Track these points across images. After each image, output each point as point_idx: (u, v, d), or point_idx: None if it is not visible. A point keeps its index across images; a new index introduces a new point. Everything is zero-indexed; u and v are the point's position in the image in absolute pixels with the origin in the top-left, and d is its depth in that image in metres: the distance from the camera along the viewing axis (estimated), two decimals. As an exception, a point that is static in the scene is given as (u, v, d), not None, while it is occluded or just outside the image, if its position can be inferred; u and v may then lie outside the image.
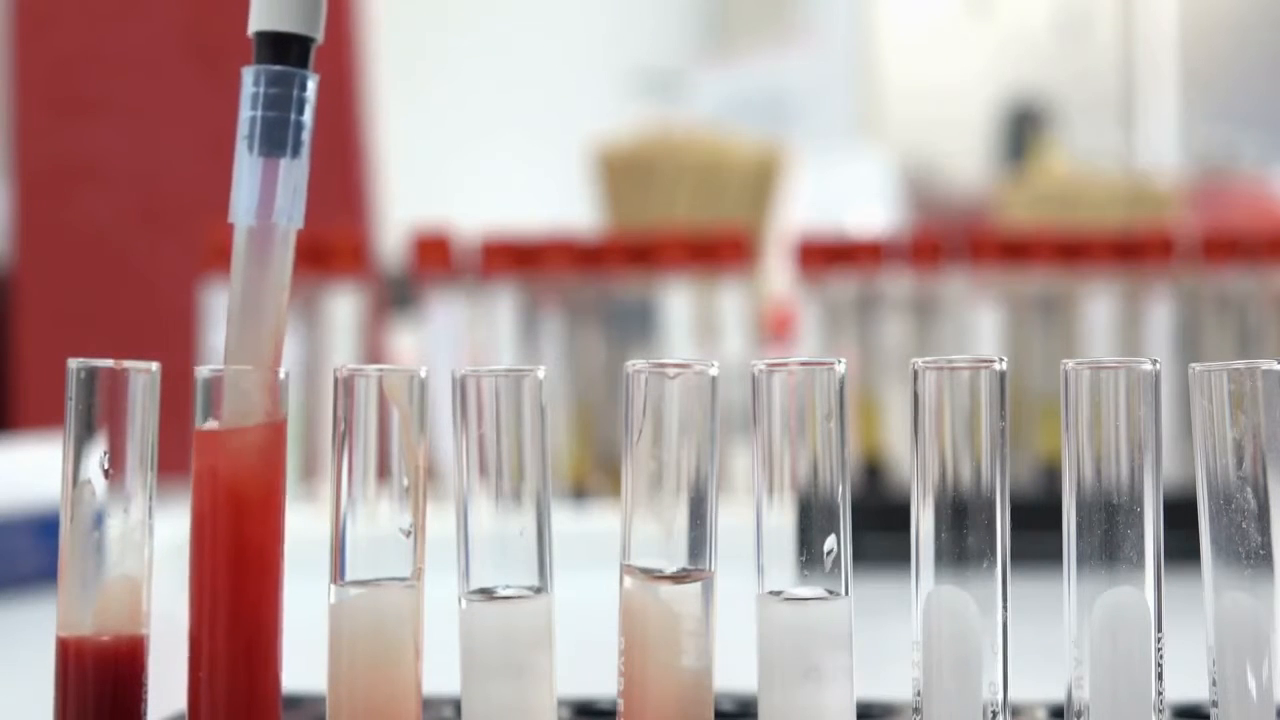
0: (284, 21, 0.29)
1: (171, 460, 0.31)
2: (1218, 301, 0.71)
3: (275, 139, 0.29)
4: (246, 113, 0.29)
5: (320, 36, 0.29)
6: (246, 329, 0.29)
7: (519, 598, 0.27)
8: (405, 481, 0.27)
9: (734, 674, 0.30)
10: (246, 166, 0.29)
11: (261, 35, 0.29)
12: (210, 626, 0.27)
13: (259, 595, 0.27)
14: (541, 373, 0.28)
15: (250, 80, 0.29)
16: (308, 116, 0.29)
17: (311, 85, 0.29)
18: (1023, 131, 2.59)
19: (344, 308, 0.71)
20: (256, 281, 0.29)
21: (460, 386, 0.27)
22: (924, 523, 0.26)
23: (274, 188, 0.29)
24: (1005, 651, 0.26)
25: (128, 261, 0.97)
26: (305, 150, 0.29)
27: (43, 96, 0.98)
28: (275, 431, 0.28)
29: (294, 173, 0.29)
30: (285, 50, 0.29)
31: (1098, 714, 0.26)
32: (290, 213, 0.29)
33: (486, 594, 0.27)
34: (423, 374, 0.28)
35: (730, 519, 0.29)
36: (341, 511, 0.27)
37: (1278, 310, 0.71)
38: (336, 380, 0.28)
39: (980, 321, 0.71)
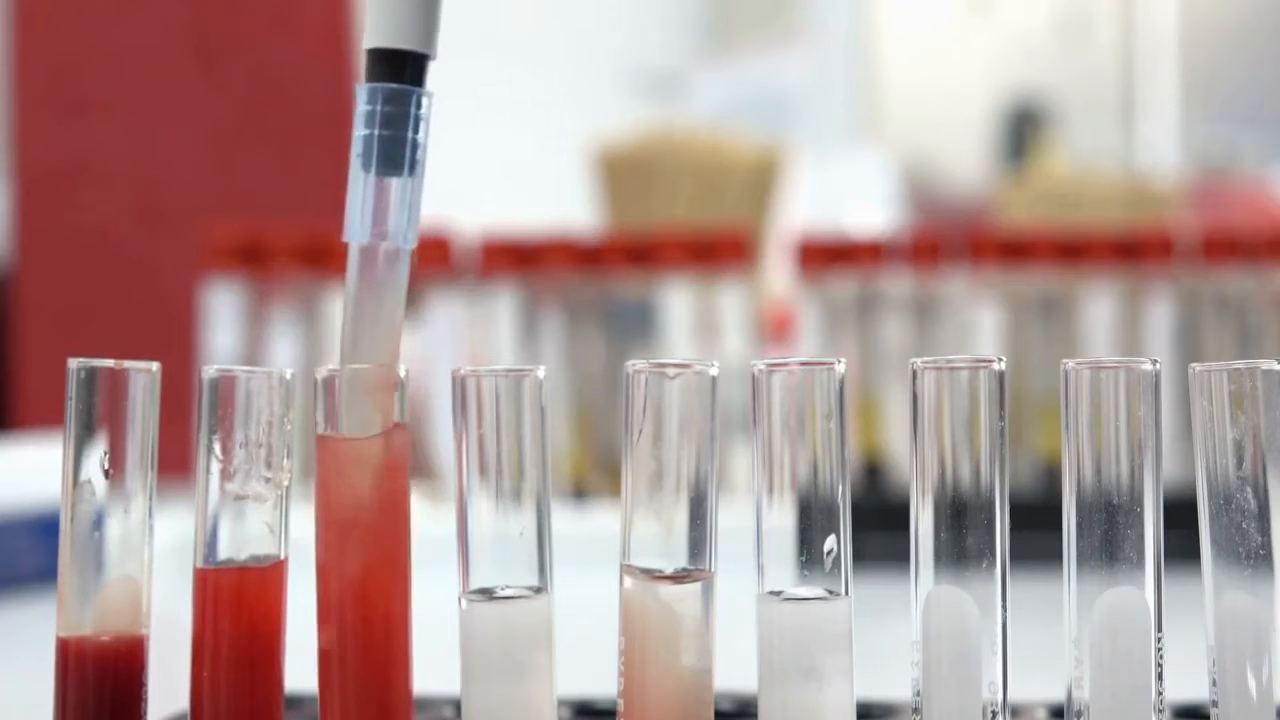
0: (399, 39, 0.28)
1: (171, 460, 0.31)
2: (1218, 301, 0.71)
3: (391, 158, 0.29)
4: (361, 131, 0.29)
5: (435, 54, 0.29)
6: (361, 353, 0.28)
7: (519, 598, 0.27)
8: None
9: (734, 674, 0.30)
10: (361, 185, 0.29)
11: (375, 52, 0.29)
12: (341, 636, 0.27)
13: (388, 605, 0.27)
14: (541, 373, 0.28)
15: (365, 98, 0.29)
16: (424, 135, 0.29)
17: (427, 103, 0.29)
18: (1023, 132, 2.59)
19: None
20: (372, 303, 0.29)
21: (460, 386, 0.27)
22: (924, 523, 0.26)
23: (388, 207, 0.29)
24: (1005, 651, 0.26)
25: (128, 261, 0.97)
26: (421, 169, 0.29)
27: (43, 96, 0.98)
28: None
29: (409, 192, 0.29)
30: (400, 68, 0.29)
31: (1098, 714, 0.26)
32: (406, 233, 0.29)
33: (486, 594, 0.27)
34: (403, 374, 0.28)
35: (730, 519, 0.29)
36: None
37: (1278, 310, 0.71)
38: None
39: (980, 321, 0.71)
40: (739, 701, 0.32)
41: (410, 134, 0.29)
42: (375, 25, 0.29)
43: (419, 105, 0.29)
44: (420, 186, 0.29)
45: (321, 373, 0.28)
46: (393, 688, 0.27)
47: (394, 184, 0.29)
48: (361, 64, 0.29)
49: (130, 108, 0.98)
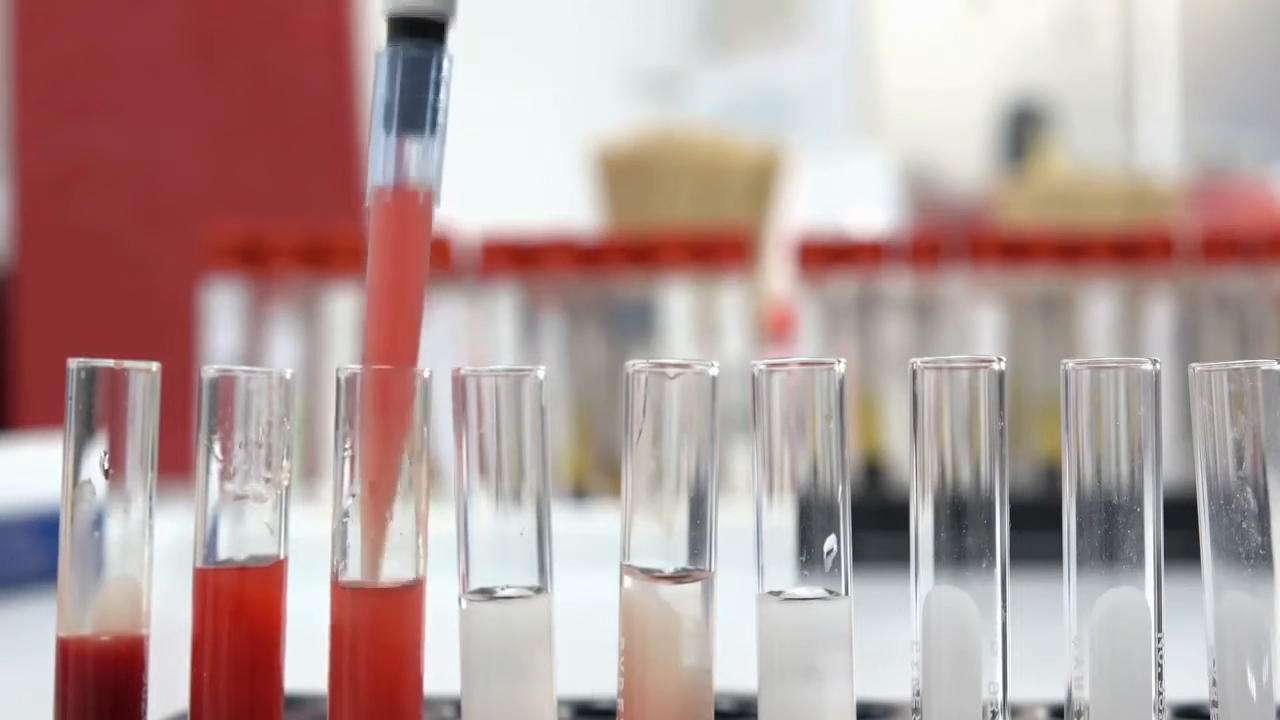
0: (417, 4, 0.28)
1: (171, 460, 0.31)
2: (1218, 301, 0.71)
3: (412, 119, 0.28)
4: (381, 93, 0.28)
5: (454, 15, 0.29)
6: (385, 312, 0.28)
7: (519, 598, 0.27)
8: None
9: (734, 674, 0.30)
10: (382, 145, 0.29)
11: (394, 20, 0.29)
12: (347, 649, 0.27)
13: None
14: (541, 373, 0.28)
15: (386, 61, 0.29)
16: (445, 97, 0.29)
17: (448, 65, 0.29)
18: (1023, 132, 2.59)
19: (344, 308, 0.71)
20: (396, 263, 0.29)
21: (460, 386, 0.27)
22: (923, 523, 0.26)
23: (412, 161, 0.28)
24: (1005, 651, 0.26)
25: (128, 261, 0.97)
26: (442, 132, 0.29)
27: (43, 96, 0.98)
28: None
29: (432, 150, 0.29)
30: (421, 30, 0.28)
31: (1098, 714, 0.26)
32: (432, 182, 0.29)
33: (486, 594, 0.27)
34: (426, 374, 0.28)
35: (730, 519, 0.29)
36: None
37: (1278, 310, 0.71)
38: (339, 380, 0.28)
39: (980, 321, 0.71)
40: (739, 701, 0.32)
41: (432, 95, 0.29)
42: None
43: (439, 68, 0.29)
44: (442, 148, 0.29)
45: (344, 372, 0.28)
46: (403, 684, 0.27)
47: (416, 142, 0.29)
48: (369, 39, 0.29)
49: (130, 108, 0.98)
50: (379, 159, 0.29)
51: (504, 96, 2.68)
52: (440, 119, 0.29)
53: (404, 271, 0.29)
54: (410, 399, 0.27)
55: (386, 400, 0.27)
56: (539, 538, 0.27)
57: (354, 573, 0.27)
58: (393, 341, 0.28)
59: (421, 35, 0.29)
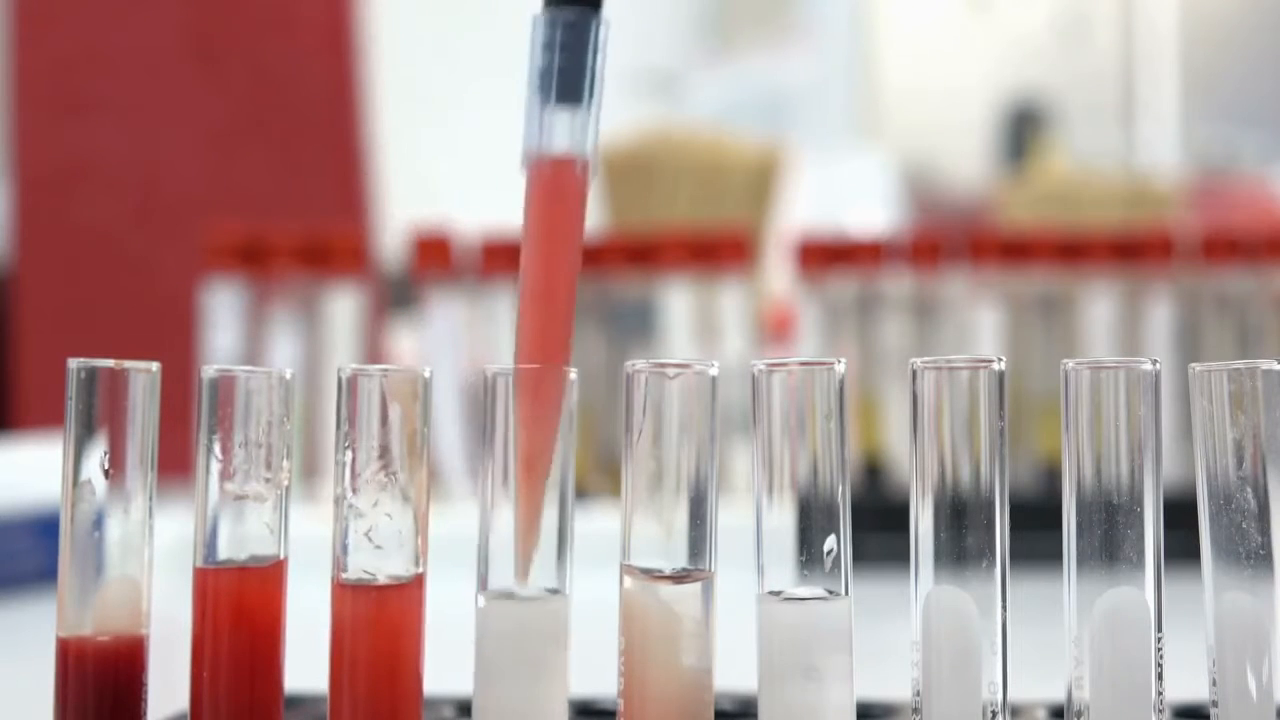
0: None
1: (171, 460, 0.31)
2: (1218, 301, 0.71)
3: (570, 86, 0.28)
4: (539, 59, 0.28)
5: None
6: (541, 280, 0.28)
7: (536, 599, 0.27)
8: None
9: (734, 674, 0.30)
10: (539, 113, 0.28)
11: None
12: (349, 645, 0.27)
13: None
14: (573, 374, 0.28)
15: (544, 25, 0.28)
16: (601, 63, 0.28)
17: (605, 31, 0.28)
18: (1023, 132, 2.59)
19: (344, 308, 0.71)
20: (552, 231, 0.28)
21: (491, 385, 0.27)
22: (923, 523, 0.26)
23: (569, 131, 0.28)
24: (1005, 651, 0.26)
25: (128, 261, 0.97)
26: (599, 98, 0.28)
27: (43, 96, 0.98)
28: None
29: (589, 118, 0.28)
30: None
31: (1098, 714, 0.26)
32: (587, 151, 0.28)
33: (504, 594, 0.27)
34: (427, 374, 0.28)
35: (730, 519, 0.29)
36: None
37: (1278, 310, 0.71)
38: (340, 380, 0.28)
39: (980, 321, 0.71)
40: (739, 701, 0.32)
41: (591, 60, 0.28)
42: None
43: (598, 32, 0.28)
44: (599, 115, 0.29)
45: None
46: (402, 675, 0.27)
47: (573, 111, 0.28)
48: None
49: (130, 108, 0.98)
50: (536, 129, 0.28)
51: (505, 96, 2.68)
52: (598, 87, 0.28)
53: (558, 250, 0.28)
54: (561, 393, 0.27)
55: (540, 395, 0.27)
56: (560, 540, 0.27)
57: (497, 581, 0.27)
58: (546, 333, 0.28)
59: (579, 1, 0.28)
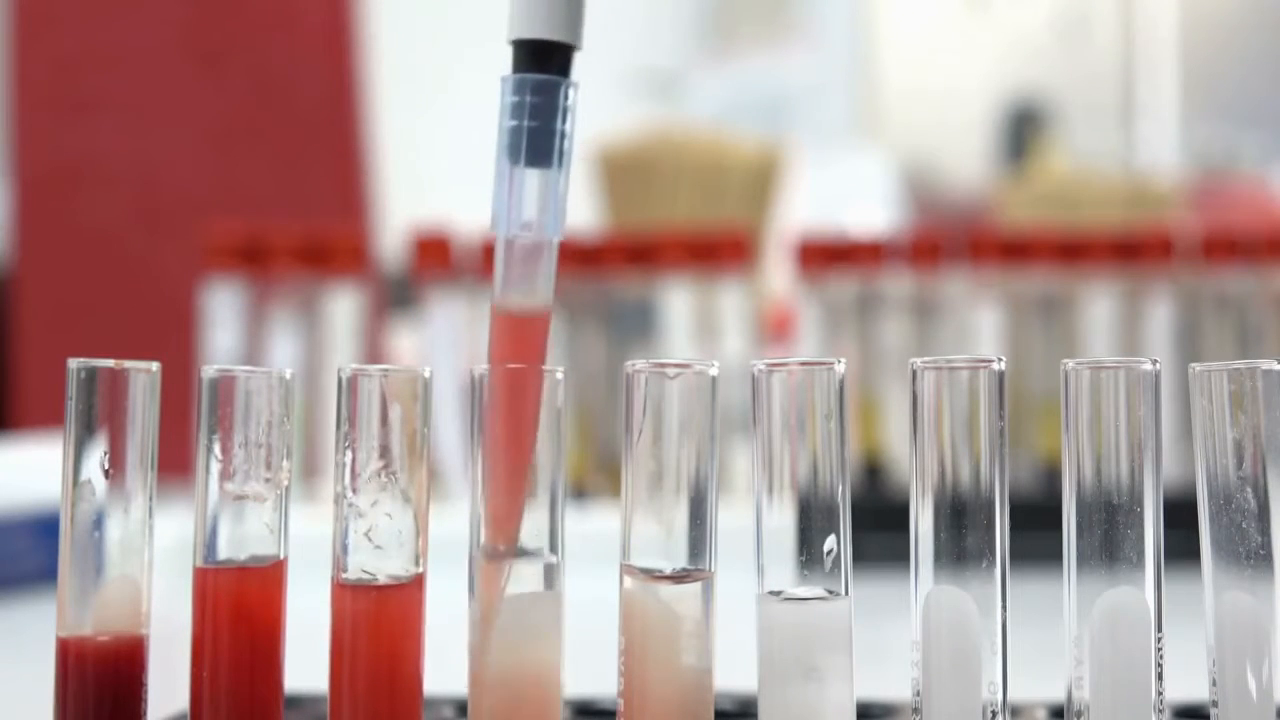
0: (545, 29, 0.28)
1: (171, 460, 0.31)
2: (1218, 301, 0.71)
3: (539, 150, 0.28)
4: (508, 122, 0.28)
5: (581, 44, 0.29)
6: (509, 343, 0.28)
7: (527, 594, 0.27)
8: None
9: (734, 674, 0.30)
10: (508, 178, 0.29)
11: (521, 44, 0.28)
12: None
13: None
14: (560, 374, 0.28)
15: (513, 89, 0.28)
16: (570, 126, 0.29)
17: (574, 94, 0.29)
18: (1023, 132, 2.59)
19: (344, 308, 0.71)
20: (521, 297, 0.29)
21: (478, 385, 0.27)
22: (923, 523, 0.26)
23: (536, 200, 0.28)
24: (1005, 651, 0.26)
25: (128, 261, 0.97)
26: (568, 161, 0.29)
27: (43, 96, 0.98)
28: None
29: (557, 184, 0.29)
30: (547, 58, 0.28)
31: (1098, 714, 0.26)
32: (554, 225, 0.29)
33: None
34: (426, 374, 0.28)
35: (730, 519, 0.29)
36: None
37: (1278, 310, 0.71)
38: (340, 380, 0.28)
39: (980, 321, 0.71)
40: (739, 701, 0.32)
41: (559, 125, 0.28)
42: (520, 16, 0.28)
43: (567, 96, 0.29)
44: (567, 178, 0.29)
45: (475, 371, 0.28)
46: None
47: (542, 176, 0.29)
48: (492, 56, 0.29)
49: (130, 108, 0.98)
50: (505, 194, 0.28)
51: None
52: (567, 148, 0.29)
53: (526, 313, 0.29)
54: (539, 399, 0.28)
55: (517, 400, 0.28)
56: (551, 536, 0.27)
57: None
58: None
59: (548, 62, 0.28)
